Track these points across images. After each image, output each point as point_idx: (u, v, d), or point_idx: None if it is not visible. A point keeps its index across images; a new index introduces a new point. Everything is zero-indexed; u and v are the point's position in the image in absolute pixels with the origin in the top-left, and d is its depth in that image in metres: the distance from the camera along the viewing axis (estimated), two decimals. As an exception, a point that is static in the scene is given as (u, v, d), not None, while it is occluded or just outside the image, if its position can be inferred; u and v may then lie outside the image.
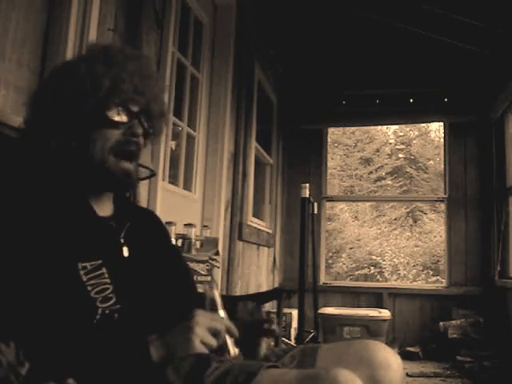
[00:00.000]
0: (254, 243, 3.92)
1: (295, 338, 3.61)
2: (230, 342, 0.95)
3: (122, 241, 1.03)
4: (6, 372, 0.74)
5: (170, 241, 1.26)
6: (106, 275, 0.93)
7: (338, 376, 0.80)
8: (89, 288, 0.90)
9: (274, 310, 3.54)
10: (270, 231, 4.43)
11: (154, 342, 0.88)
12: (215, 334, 0.91)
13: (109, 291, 0.92)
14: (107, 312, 0.91)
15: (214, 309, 0.99)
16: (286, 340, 3.55)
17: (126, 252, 1.02)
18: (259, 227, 4.03)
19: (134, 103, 1.01)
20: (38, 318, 0.87)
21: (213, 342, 0.90)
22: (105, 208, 1.05)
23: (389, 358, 1.03)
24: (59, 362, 0.85)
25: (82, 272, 0.91)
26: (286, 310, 3.85)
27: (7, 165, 1.06)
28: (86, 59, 1.03)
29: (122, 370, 0.86)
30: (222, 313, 1.00)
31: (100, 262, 0.94)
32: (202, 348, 0.88)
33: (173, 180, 2.79)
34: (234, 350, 0.95)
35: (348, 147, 12.08)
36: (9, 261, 0.87)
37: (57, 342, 0.87)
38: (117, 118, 0.99)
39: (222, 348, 0.94)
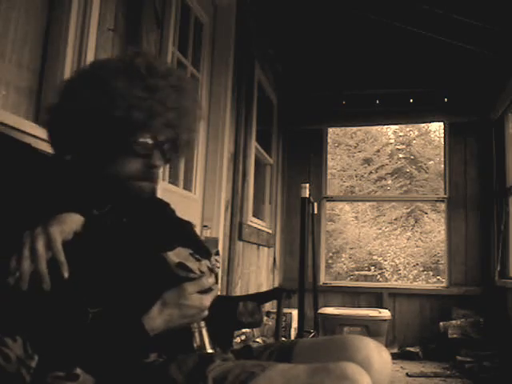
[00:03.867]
0: (254, 243, 3.92)
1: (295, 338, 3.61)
2: (206, 340, 0.98)
3: (117, 238, 1.01)
4: (17, 366, 0.75)
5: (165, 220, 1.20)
6: None
7: (346, 369, 0.83)
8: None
9: (274, 310, 3.55)
10: (270, 231, 4.43)
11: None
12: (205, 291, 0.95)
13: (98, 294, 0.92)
14: (96, 316, 0.91)
15: (203, 350, 0.99)
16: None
17: (119, 250, 1.01)
18: (259, 227, 4.03)
19: (162, 135, 1.00)
20: (37, 314, 0.87)
21: (206, 300, 0.94)
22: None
23: (370, 357, 0.97)
24: (65, 353, 0.86)
25: None
26: (286, 310, 3.85)
27: (13, 168, 1.06)
28: (124, 73, 0.97)
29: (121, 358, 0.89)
30: (210, 351, 1.00)
31: None
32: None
33: (173, 180, 2.79)
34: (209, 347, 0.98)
35: (349, 147, 12.07)
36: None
37: (58, 336, 0.87)
38: (141, 151, 0.98)
39: (201, 347, 0.97)
